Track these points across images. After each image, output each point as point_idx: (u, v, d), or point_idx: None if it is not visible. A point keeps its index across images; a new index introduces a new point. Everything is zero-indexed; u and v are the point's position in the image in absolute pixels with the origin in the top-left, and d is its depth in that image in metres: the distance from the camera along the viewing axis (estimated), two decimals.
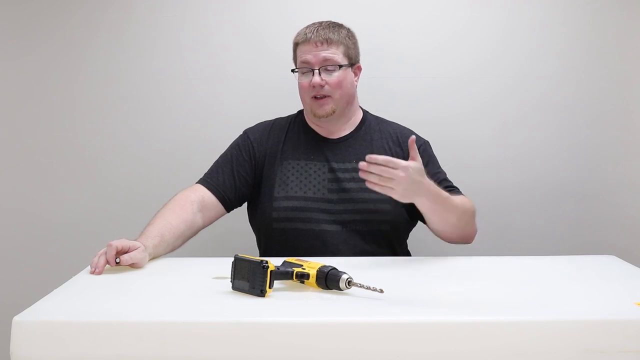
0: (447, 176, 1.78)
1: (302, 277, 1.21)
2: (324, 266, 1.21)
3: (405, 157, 1.71)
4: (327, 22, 1.73)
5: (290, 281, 1.23)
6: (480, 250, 2.08)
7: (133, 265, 1.39)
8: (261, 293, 1.16)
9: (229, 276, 1.20)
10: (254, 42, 2.11)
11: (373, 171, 1.40)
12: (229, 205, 1.72)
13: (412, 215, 1.73)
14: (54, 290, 1.23)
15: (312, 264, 1.23)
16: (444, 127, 2.12)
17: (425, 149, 1.77)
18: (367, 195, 1.67)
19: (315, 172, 1.71)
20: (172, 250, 1.56)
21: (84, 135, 2.14)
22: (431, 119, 2.12)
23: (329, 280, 1.19)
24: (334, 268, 1.20)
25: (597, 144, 2.13)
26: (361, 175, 1.42)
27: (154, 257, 1.48)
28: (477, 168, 2.13)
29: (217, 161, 1.76)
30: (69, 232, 2.14)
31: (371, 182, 1.42)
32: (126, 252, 1.38)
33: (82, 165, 2.15)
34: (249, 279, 1.17)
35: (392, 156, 1.68)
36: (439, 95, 2.13)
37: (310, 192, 1.68)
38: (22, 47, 2.12)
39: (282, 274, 1.22)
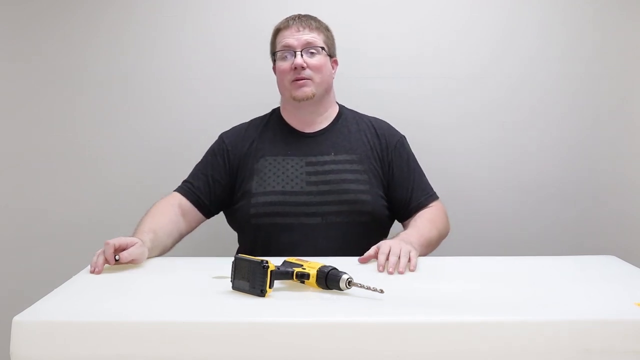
0: (424, 173, 1.80)
1: (302, 277, 1.21)
2: (324, 266, 1.21)
3: (384, 149, 1.75)
4: (306, 14, 1.77)
5: (290, 281, 1.23)
6: (481, 251, 2.09)
7: (133, 262, 1.39)
8: (261, 293, 1.16)
9: (229, 276, 1.20)
10: (255, 42, 2.10)
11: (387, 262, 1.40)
12: (205, 210, 1.72)
13: (392, 212, 1.76)
14: (54, 290, 1.24)
15: (312, 264, 1.23)
16: (444, 128, 2.12)
17: (402, 143, 1.79)
18: (346, 186, 1.68)
19: (292, 166, 1.71)
20: (164, 251, 1.56)
21: (84, 135, 2.14)
22: (431, 120, 2.12)
23: (329, 280, 1.19)
24: (334, 268, 1.20)
25: (598, 144, 2.13)
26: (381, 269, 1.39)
27: (150, 256, 1.47)
28: (477, 168, 2.13)
29: (194, 168, 1.77)
30: (69, 232, 2.14)
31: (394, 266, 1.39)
32: (124, 249, 1.38)
33: (82, 166, 2.14)
34: (249, 278, 1.17)
35: (371, 148, 1.75)
36: (439, 96, 2.13)
37: (288, 186, 1.68)
38: (22, 47, 2.12)
39: (282, 274, 1.22)
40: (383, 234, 1.78)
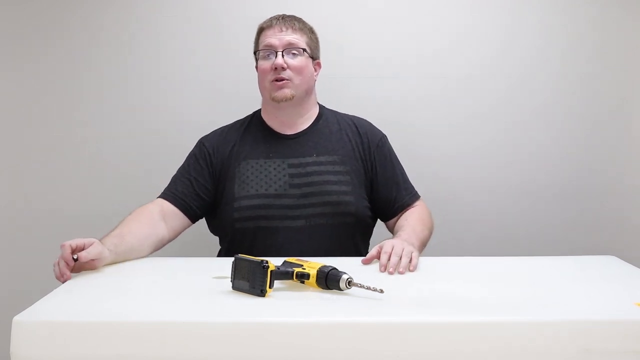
0: (405, 172, 1.80)
1: (302, 277, 1.21)
2: (324, 266, 1.21)
3: (366, 147, 1.75)
4: (291, 14, 1.76)
5: (290, 281, 1.23)
6: (481, 251, 2.09)
7: (93, 263, 1.36)
8: (261, 293, 1.16)
9: (229, 276, 1.20)
10: None
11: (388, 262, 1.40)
12: (192, 213, 1.69)
13: (373, 212, 1.76)
14: (54, 290, 1.24)
15: (312, 264, 1.23)
16: (443, 128, 2.12)
17: (384, 142, 1.79)
18: (329, 187, 1.68)
19: (275, 169, 1.70)
20: (139, 255, 1.52)
21: (84, 135, 2.14)
22: (431, 121, 2.12)
23: (329, 280, 1.19)
24: (334, 268, 1.20)
25: (598, 144, 2.13)
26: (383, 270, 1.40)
27: (121, 260, 1.45)
28: (477, 168, 2.13)
29: (174, 175, 1.75)
30: (70, 233, 2.11)
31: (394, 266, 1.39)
32: (82, 250, 1.35)
33: (83, 166, 2.14)
34: (249, 278, 1.17)
35: (353, 147, 1.74)
36: (439, 97, 2.13)
37: (271, 189, 1.67)
38: (22, 47, 2.11)
39: (282, 274, 1.22)
40: (367, 235, 1.79)
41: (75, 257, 1.33)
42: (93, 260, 1.36)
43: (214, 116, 1.95)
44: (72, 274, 1.34)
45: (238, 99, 2.10)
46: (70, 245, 1.34)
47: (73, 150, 2.14)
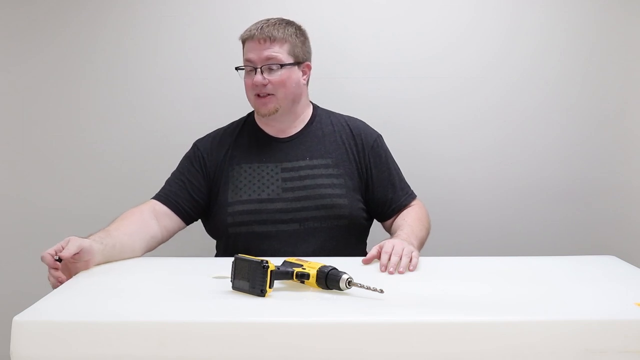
0: (401, 172, 1.79)
1: (302, 277, 1.21)
2: (324, 266, 1.21)
3: (360, 150, 1.74)
4: (275, 19, 1.71)
5: (290, 281, 1.23)
6: (481, 251, 2.09)
7: (79, 256, 1.34)
8: (261, 293, 1.16)
9: (229, 276, 1.20)
10: None
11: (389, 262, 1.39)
12: (183, 214, 1.69)
13: (369, 213, 1.75)
14: (54, 290, 1.24)
15: (312, 264, 1.23)
16: (445, 129, 2.13)
17: (379, 142, 1.78)
18: (323, 190, 1.68)
19: (268, 173, 1.70)
20: (133, 251, 1.52)
21: (85, 135, 2.14)
22: (432, 122, 2.12)
23: (329, 280, 1.19)
24: (334, 268, 1.20)
25: (599, 144, 2.13)
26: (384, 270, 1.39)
27: (116, 255, 1.45)
28: (478, 168, 2.14)
29: (168, 178, 1.75)
30: (70, 233, 2.12)
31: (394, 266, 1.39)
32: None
33: (84, 166, 2.15)
34: (249, 278, 1.17)
35: (347, 149, 1.74)
36: (440, 98, 2.13)
37: (264, 193, 1.67)
38: (26, 47, 2.13)
39: (282, 273, 1.22)
40: (363, 237, 1.79)
41: (56, 257, 1.33)
42: (77, 253, 1.34)
43: (213, 117, 1.95)
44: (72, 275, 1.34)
45: (237, 100, 2.10)
46: (49, 253, 1.34)
47: (73, 150, 2.14)
